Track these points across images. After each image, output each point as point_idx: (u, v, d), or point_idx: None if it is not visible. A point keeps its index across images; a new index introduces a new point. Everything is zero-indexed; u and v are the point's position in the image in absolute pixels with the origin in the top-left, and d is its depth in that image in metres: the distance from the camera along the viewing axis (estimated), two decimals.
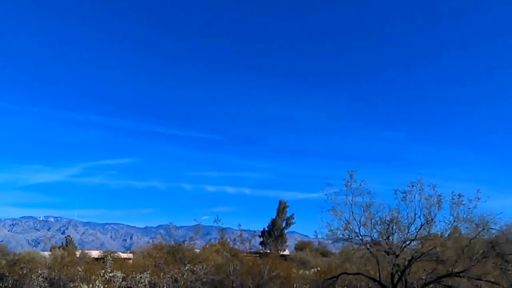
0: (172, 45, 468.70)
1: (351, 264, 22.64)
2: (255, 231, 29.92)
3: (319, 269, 29.95)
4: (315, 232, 20.41)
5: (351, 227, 20.06)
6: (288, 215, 78.04)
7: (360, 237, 20.04)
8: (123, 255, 57.31)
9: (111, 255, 49.06)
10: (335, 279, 21.57)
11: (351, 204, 19.80)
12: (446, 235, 18.83)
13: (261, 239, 74.74)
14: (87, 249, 67.03)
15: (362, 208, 19.65)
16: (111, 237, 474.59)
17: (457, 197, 18.40)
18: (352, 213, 19.77)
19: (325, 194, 20.01)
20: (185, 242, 30.27)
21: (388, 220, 19.48)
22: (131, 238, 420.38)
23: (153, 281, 28.41)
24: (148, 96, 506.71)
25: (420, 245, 18.94)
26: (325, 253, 66.38)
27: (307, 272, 28.38)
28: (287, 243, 78.86)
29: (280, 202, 79.26)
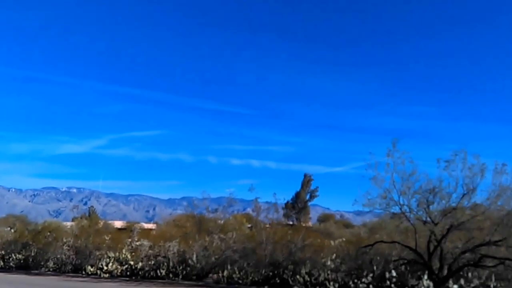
0: (201, 17, 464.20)
1: (383, 233, 22.98)
2: (278, 203, 30.09)
3: (344, 239, 30.25)
4: (355, 200, 20.57)
5: (390, 196, 20.35)
6: (312, 188, 78.79)
7: (399, 206, 20.33)
8: (146, 226, 57.82)
9: (135, 225, 49.70)
10: (370, 247, 21.87)
11: (392, 173, 20.06)
12: (487, 205, 19.02)
13: (285, 211, 75.47)
14: (110, 220, 67.57)
15: (403, 177, 19.89)
16: (133, 208, 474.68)
17: (501, 166, 18.61)
18: (393, 182, 20.02)
19: (367, 163, 20.24)
20: (217, 212, 30.64)
21: (429, 189, 19.71)
22: (154, 209, 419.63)
23: (181, 249, 28.74)
24: (175, 68, 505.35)
25: (460, 214, 19.16)
26: (347, 225, 67.36)
27: (332, 242, 28.66)
28: (310, 215, 79.67)
29: (305, 175, 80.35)
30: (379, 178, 20.18)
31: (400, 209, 20.37)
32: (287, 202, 77.28)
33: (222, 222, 31.35)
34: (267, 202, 29.96)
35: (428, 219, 19.77)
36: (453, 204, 19.33)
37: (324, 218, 78.28)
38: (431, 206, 19.97)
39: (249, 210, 40.82)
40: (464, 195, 19.08)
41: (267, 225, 27.35)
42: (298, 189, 79.03)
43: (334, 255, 24.16)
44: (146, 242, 32.16)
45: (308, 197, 78.82)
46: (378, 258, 22.59)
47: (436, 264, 20.17)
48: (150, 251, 30.87)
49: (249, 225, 35.43)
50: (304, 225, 43.26)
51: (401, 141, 20.21)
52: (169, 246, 29.30)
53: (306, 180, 79.25)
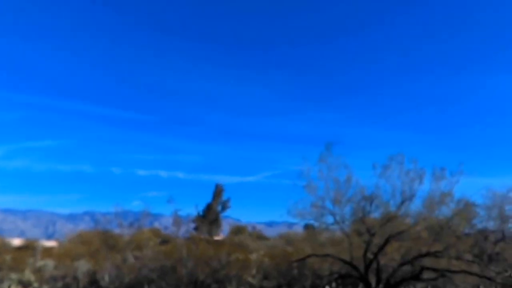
0: (105, 21, 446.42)
1: (309, 245, 21.11)
2: (189, 216, 27.50)
3: (263, 252, 28.17)
4: (288, 210, 18.38)
5: (323, 205, 18.41)
6: (224, 199, 76.42)
7: (333, 216, 18.43)
8: (47, 243, 52.71)
9: (36, 243, 44.77)
10: (302, 261, 19.84)
11: (326, 180, 18.13)
12: (427, 212, 17.53)
13: (196, 224, 72.46)
14: (7, 238, 61.09)
15: (338, 184, 17.99)
16: (32, 224, 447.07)
17: (439, 170, 17.21)
18: (328, 189, 18.09)
19: (300, 169, 18.18)
20: (132, 226, 27.52)
21: (365, 197, 17.95)
22: (54, 225, 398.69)
23: (91, 269, 25.40)
24: (74, 73, 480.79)
25: (398, 224, 17.55)
26: (260, 237, 65.32)
27: (253, 256, 26.49)
28: (222, 228, 77.19)
29: (216, 186, 77.26)
30: (312, 185, 18.10)
31: (334, 218, 18.43)
32: (198, 214, 74.56)
33: (133, 237, 28.37)
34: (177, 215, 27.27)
35: (365, 229, 17.98)
36: (391, 213, 17.59)
37: (237, 231, 76.11)
38: (367, 215, 18.20)
39: (156, 224, 37.83)
40: (402, 202, 17.41)
41: (185, 240, 24.64)
42: (209, 200, 76.61)
43: (255, 270, 22.04)
44: (50, 262, 28.33)
45: (220, 208, 76.59)
46: (308, 272, 20.68)
47: (373, 278, 18.47)
48: (55, 271, 27.20)
49: (159, 240, 32.54)
50: (210, 238, 40.93)
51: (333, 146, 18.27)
52: (77, 265, 25.85)
53: (218, 191, 76.65)
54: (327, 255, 19.53)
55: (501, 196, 18.10)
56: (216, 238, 61.06)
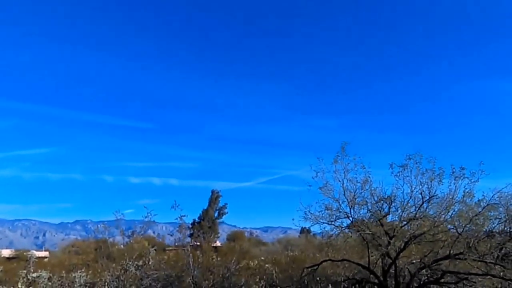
0: (97, 28, 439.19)
1: (331, 250, 20.46)
2: (184, 223, 26.54)
3: (267, 258, 27.48)
4: (305, 213, 17.69)
5: (339, 207, 17.80)
6: (220, 205, 75.35)
7: (351, 218, 17.81)
8: (38, 253, 51.14)
9: (28, 253, 43.35)
10: (316, 267, 19.10)
11: (343, 181, 17.53)
12: (448, 214, 17.00)
13: (191, 232, 71.24)
14: None
15: (356, 186, 17.41)
16: (21, 234, 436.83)
17: (459, 170, 16.72)
18: (344, 191, 17.47)
19: (315, 171, 17.54)
20: (133, 235, 26.48)
21: (384, 198, 17.38)
22: (44, 235, 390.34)
23: (90, 281, 24.30)
24: (64, 80, 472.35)
25: (419, 225, 16.98)
26: (259, 243, 64.74)
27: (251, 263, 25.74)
28: (219, 234, 76.06)
29: (212, 192, 76.56)
30: (328, 187, 17.49)
31: (351, 221, 17.80)
32: (194, 221, 73.47)
33: (130, 246, 27.38)
34: (171, 223, 26.40)
35: (383, 232, 17.37)
36: (411, 214, 17.02)
37: (235, 237, 75.17)
38: (385, 218, 17.63)
39: (150, 232, 36.77)
40: (422, 203, 16.86)
41: (191, 248, 23.73)
42: (205, 207, 75.43)
43: (258, 277, 21.35)
44: (44, 273, 27.14)
45: (216, 214, 75.40)
46: (323, 279, 19.99)
47: (391, 283, 17.89)
48: (49, 283, 26.03)
49: (154, 248, 31.56)
50: (208, 245, 40.05)
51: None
52: (74, 277, 24.72)
53: (214, 197, 75.80)
54: (343, 260, 18.92)
55: (507, 197, 17.68)
56: (214, 244, 60.05)
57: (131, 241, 34.58)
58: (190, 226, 69.85)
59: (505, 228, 18.36)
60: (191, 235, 72.33)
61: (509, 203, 18.01)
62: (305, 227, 61.99)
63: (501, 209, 16.96)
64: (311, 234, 62.78)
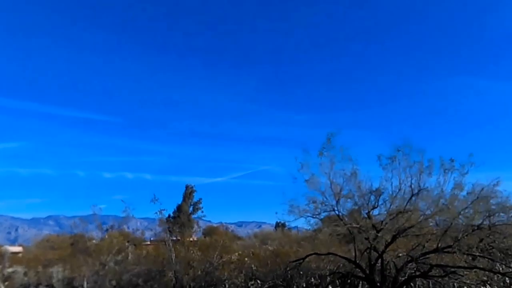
0: (65, 24, 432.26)
1: (314, 243, 20.03)
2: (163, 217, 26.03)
3: (244, 252, 27.05)
4: (290, 207, 17.17)
5: (325, 200, 17.34)
6: (195, 200, 74.82)
7: (337, 211, 17.37)
8: (12, 249, 49.85)
9: (2, 248, 42.04)
10: (301, 261, 18.66)
11: (329, 174, 17.05)
12: (436, 206, 16.63)
13: (168, 226, 70.48)
14: None
15: (343, 178, 16.95)
16: None
17: (449, 162, 16.37)
18: (331, 183, 17.00)
19: (300, 163, 17.02)
20: (112, 229, 25.75)
21: (372, 191, 16.97)
22: (16, 230, 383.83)
23: (68, 275, 23.56)
24: (36, 73, 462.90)
25: (407, 218, 16.60)
26: (235, 238, 64.45)
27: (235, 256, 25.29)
28: (195, 229, 75.51)
29: (186, 187, 75.60)
30: (314, 180, 17.00)
31: (338, 214, 17.36)
32: (169, 215, 72.88)
33: (107, 241, 26.69)
34: (145, 218, 25.85)
35: (370, 225, 16.98)
36: (400, 207, 16.63)
37: (210, 231, 74.90)
38: (373, 211, 17.24)
39: (124, 227, 36.13)
40: (411, 196, 16.48)
41: (170, 242, 23.10)
42: (179, 202, 75.08)
43: (238, 271, 20.91)
44: (20, 269, 26.27)
45: (191, 209, 75.13)
46: (308, 272, 19.59)
47: (377, 277, 17.56)
48: (25, 278, 25.20)
49: (133, 244, 30.93)
50: (185, 240, 39.36)
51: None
52: (52, 272, 23.94)
53: (188, 192, 75.34)
54: (329, 253, 18.53)
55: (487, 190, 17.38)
56: (190, 239, 59.49)
57: (108, 236, 33.81)
58: (165, 220, 69.24)
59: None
60: (169, 230, 71.82)
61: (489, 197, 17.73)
62: (280, 221, 61.93)
63: (481, 203, 16.41)
64: (286, 228, 62.61)
